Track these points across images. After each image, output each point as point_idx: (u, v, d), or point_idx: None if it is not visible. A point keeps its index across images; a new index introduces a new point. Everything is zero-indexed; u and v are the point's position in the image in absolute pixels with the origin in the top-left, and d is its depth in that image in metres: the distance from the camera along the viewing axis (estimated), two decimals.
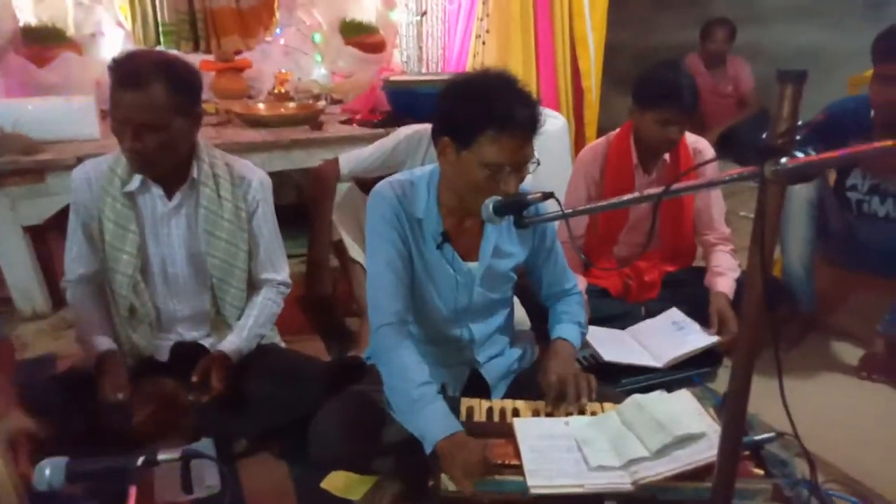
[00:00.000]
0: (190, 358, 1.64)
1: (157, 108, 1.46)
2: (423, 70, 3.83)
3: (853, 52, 2.03)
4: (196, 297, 1.71)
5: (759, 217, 0.81)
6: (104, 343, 1.60)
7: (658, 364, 2.02)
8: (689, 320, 2.17)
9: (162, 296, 1.69)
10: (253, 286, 1.77)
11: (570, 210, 1.15)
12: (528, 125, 1.32)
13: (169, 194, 1.63)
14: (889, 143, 0.64)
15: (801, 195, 2.14)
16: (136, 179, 1.60)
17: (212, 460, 1.14)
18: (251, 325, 1.70)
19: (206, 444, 1.60)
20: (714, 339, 2.06)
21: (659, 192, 0.91)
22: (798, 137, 0.77)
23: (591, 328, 2.14)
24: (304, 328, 2.33)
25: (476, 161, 1.32)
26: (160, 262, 1.67)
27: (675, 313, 2.22)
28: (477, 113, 1.30)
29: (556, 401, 1.43)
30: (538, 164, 1.37)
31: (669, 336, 2.14)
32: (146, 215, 1.64)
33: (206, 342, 1.74)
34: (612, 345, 2.06)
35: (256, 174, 1.73)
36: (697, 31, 4.36)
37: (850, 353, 2.30)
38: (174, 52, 3.41)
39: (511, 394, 1.60)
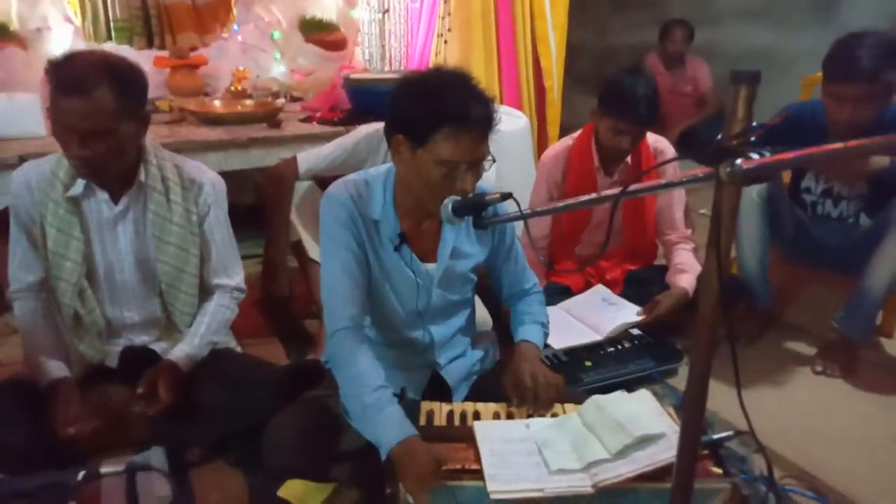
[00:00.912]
0: (141, 363, 1.58)
1: (104, 115, 1.40)
2: (387, 69, 3.79)
3: (805, 52, 2.08)
4: (145, 304, 1.65)
5: (715, 218, 0.80)
6: (56, 370, 1.51)
7: (599, 336, 2.08)
8: (616, 297, 2.26)
9: (109, 303, 1.63)
10: (205, 292, 1.71)
11: (528, 211, 1.13)
12: (484, 122, 1.30)
13: (115, 199, 1.57)
14: (838, 145, 0.64)
15: (754, 192, 2.17)
16: (80, 184, 1.53)
17: (158, 472, 1.09)
18: (203, 333, 1.65)
19: (156, 454, 1.54)
20: (637, 317, 2.14)
21: (616, 193, 0.90)
22: (754, 139, 0.77)
23: None
24: (262, 331, 2.27)
25: (431, 159, 1.30)
26: (107, 268, 1.60)
27: (602, 290, 2.30)
28: (432, 110, 1.28)
29: (530, 403, 1.42)
30: (494, 161, 1.35)
31: (602, 310, 2.20)
32: (91, 221, 1.57)
33: (157, 346, 1.68)
34: (555, 330, 2.03)
35: (208, 176, 1.68)
36: (655, 31, 4.43)
37: (807, 348, 2.34)
38: (125, 48, 3.30)
39: (473, 396, 1.59)
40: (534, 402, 1.41)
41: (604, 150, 2.23)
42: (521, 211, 1.15)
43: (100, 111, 1.39)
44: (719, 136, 0.78)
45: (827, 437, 1.87)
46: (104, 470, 1.02)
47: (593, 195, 0.98)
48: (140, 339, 1.69)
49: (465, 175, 1.31)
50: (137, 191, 1.58)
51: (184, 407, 1.51)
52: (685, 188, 2.36)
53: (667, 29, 4.33)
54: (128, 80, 1.46)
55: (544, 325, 1.64)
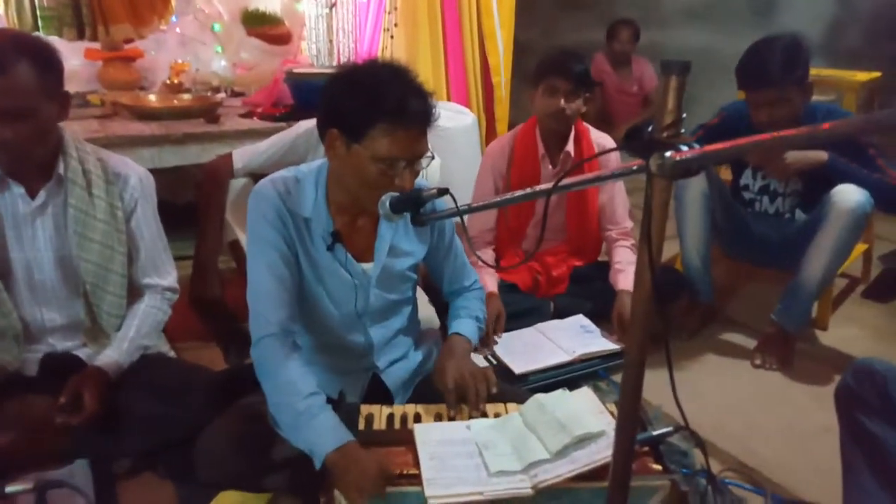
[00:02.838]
0: (63, 371, 1.48)
1: (26, 92, 1.33)
2: (335, 64, 3.71)
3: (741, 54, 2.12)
4: (68, 305, 1.55)
5: (646, 211, 0.78)
6: None
7: (568, 357, 2.04)
8: (594, 327, 2.21)
9: (28, 305, 1.53)
10: (135, 293, 1.63)
11: (465, 206, 1.10)
12: (422, 118, 1.26)
13: (32, 193, 1.47)
14: (766, 136, 0.63)
15: (696, 189, 2.21)
16: None
17: (72, 489, 1.02)
18: (132, 336, 1.56)
19: (80, 468, 1.45)
20: (618, 347, 2.10)
21: (548, 189, 0.88)
22: (694, 138, 0.75)
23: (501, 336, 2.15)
24: (199, 334, 2.18)
25: (368, 155, 1.25)
26: (24, 267, 1.50)
27: (581, 318, 2.26)
28: (368, 105, 1.23)
29: (454, 403, 1.38)
30: (433, 158, 1.31)
31: (578, 336, 2.17)
32: (6, 216, 1.47)
33: (82, 353, 1.59)
34: (522, 353, 2.05)
35: (135, 170, 1.60)
36: (602, 31, 4.48)
37: (747, 341, 2.39)
38: (54, 39, 3.13)
39: (416, 398, 1.54)
40: (458, 401, 1.38)
41: (544, 128, 2.24)
42: (457, 206, 1.11)
43: (20, 88, 1.33)
44: (650, 128, 0.76)
45: (765, 429, 1.91)
46: (10, 489, 0.94)
47: (528, 190, 0.96)
48: (63, 344, 1.59)
49: (404, 172, 1.27)
50: (56, 184, 1.49)
51: (110, 417, 1.43)
52: (627, 184, 2.38)
53: (614, 29, 4.38)
54: (46, 57, 1.40)
55: (479, 320, 1.61)
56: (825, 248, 2.06)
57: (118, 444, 1.49)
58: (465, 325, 1.56)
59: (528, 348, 2.09)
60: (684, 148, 0.73)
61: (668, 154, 0.73)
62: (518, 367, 1.98)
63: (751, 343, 2.36)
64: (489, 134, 3.48)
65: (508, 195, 0.99)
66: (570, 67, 2.10)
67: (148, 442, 1.50)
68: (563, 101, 2.13)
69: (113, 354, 1.52)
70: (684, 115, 0.75)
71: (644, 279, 0.81)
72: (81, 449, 1.46)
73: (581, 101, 2.16)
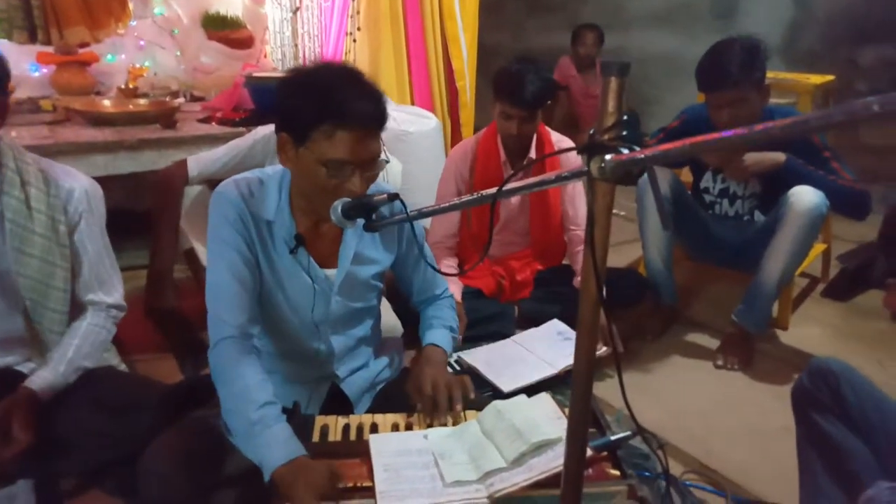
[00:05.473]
0: (2, 388, 1.41)
1: None
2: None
3: None
4: (7, 321, 1.48)
5: (589, 216, 0.77)
6: None
7: (553, 371, 1.98)
8: (571, 332, 2.16)
9: None
10: (78, 308, 1.56)
11: (415, 212, 1.08)
12: (367, 119, 1.22)
13: None
14: (708, 136, 0.62)
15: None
16: None
17: None
18: (71, 357, 1.48)
19: (23, 488, 1.39)
20: (602, 352, 2.06)
21: (493, 193, 0.86)
22: (655, 141, 0.74)
23: (478, 350, 2.10)
24: (154, 345, 2.12)
25: (313, 159, 1.22)
26: None
27: (557, 324, 2.22)
28: (310, 105, 1.20)
29: (430, 410, 1.36)
30: (388, 162, 1.28)
31: (558, 345, 2.12)
32: None
33: (25, 367, 1.52)
34: (504, 369, 2.00)
35: (80, 182, 1.53)
36: (569, 34, 4.50)
37: (709, 342, 2.41)
38: (3, 42, 3.04)
39: (375, 407, 1.51)
40: (433, 409, 1.36)
41: (504, 140, 2.23)
42: (406, 212, 1.09)
43: None
44: (591, 131, 0.75)
45: (727, 430, 1.92)
46: None
47: (476, 195, 0.94)
48: (3, 360, 1.52)
49: (353, 177, 1.23)
50: None
51: (48, 439, 1.36)
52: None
53: (578, 33, 4.41)
54: None
55: (453, 330, 1.59)
56: (783, 249, 2.08)
57: (60, 462, 1.43)
58: (440, 336, 1.53)
59: (509, 363, 2.03)
60: (624, 151, 0.72)
61: (608, 157, 0.72)
62: (505, 386, 1.90)
63: (713, 343, 2.38)
64: (454, 138, 3.46)
65: (456, 200, 0.97)
66: (523, 94, 2.07)
67: (92, 460, 1.43)
68: (516, 128, 2.13)
69: (48, 376, 1.44)
70: (625, 116, 0.74)
71: (590, 286, 0.79)
72: (22, 470, 1.39)
73: (537, 120, 2.17)
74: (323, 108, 1.19)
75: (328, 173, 1.22)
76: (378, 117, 1.24)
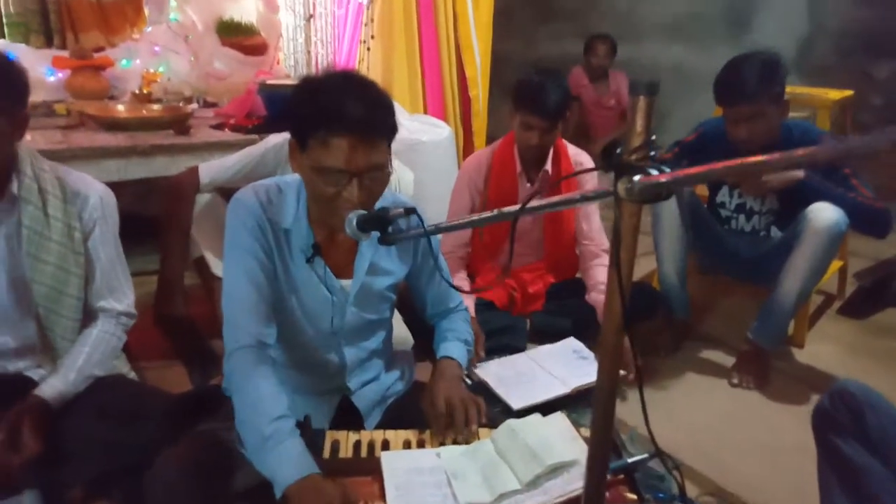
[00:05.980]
0: (13, 394, 1.39)
1: None
2: None
3: (720, 68, 2.12)
4: (20, 328, 1.47)
5: (615, 236, 0.75)
6: None
7: (566, 390, 1.92)
8: (588, 352, 2.11)
9: None
10: (89, 315, 1.55)
11: (432, 227, 1.06)
12: (362, 125, 1.17)
13: None
14: (736, 161, 0.60)
15: (672, 206, 2.19)
16: None
17: None
18: (81, 366, 1.46)
19: (29, 499, 1.38)
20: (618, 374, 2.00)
21: (515, 210, 0.84)
22: (671, 154, 0.72)
23: (490, 364, 2.05)
24: (164, 352, 2.11)
25: (310, 166, 1.20)
26: None
27: (573, 342, 2.16)
28: (308, 111, 1.19)
29: (445, 428, 1.34)
30: (392, 172, 1.26)
31: (573, 363, 2.06)
32: None
33: (36, 374, 1.51)
34: (516, 385, 1.95)
35: (95, 189, 1.52)
36: (580, 42, 4.49)
37: (724, 358, 2.38)
38: (20, 46, 3.06)
39: (386, 421, 1.49)
40: (445, 427, 1.34)
41: (522, 152, 2.21)
42: (423, 226, 1.07)
43: None
44: (618, 151, 0.73)
45: (741, 449, 1.88)
46: None
47: (495, 212, 0.92)
48: (15, 365, 1.51)
49: (350, 186, 1.19)
50: (10, 204, 1.42)
51: (55, 447, 1.35)
52: (602, 203, 2.35)
53: (591, 43, 4.40)
54: (3, 73, 1.32)
55: (468, 343, 1.57)
56: (801, 266, 2.05)
57: (68, 471, 1.41)
58: (455, 349, 1.51)
59: (521, 379, 1.98)
60: (654, 171, 0.70)
61: (636, 178, 0.69)
62: (515, 403, 1.86)
63: (727, 360, 2.34)
64: (467, 147, 3.45)
65: (476, 216, 0.95)
66: (545, 105, 2.06)
67: (97, 469, 1.42)
68: (537, 138, 2.12)
69: (58, 384, 1.43)
70: (654, 136, 0.72)
71: (614, 307, 0.77)
72: (31, 477, 1.38)
73: (557, 131, 2.15)
74: (317, 113, 1.17)
75: (324, 181, 1.20)
76: (373, 124, 1.19)
